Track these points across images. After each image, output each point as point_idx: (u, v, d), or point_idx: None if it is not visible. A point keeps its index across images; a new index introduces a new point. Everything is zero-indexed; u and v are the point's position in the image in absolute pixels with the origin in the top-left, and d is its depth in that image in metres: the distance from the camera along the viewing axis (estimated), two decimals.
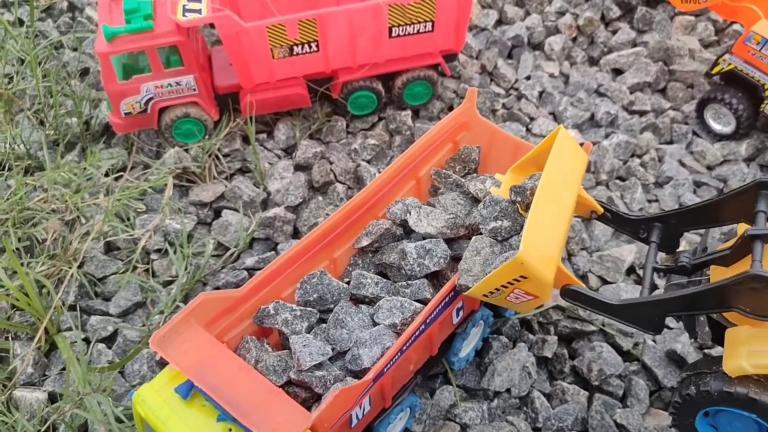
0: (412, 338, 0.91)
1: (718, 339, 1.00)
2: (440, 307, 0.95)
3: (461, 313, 1.06)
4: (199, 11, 1.32)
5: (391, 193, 1.16)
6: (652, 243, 1.06)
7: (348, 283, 1.07)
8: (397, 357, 0.90)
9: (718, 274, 0.98)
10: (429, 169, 1.20)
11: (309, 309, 1.01)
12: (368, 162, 1.51)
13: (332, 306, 1.03)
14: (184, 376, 0.87)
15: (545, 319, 1.27)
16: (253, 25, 1.34)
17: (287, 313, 0.99)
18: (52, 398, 1.21)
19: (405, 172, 1.16)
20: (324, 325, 1.01)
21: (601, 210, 1.08)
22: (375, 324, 1.00)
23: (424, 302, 1.01)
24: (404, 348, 0.91)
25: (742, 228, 0.99)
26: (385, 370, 0.89)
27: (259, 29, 1.35)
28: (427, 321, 0.93)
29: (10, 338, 1.27)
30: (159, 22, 1.35)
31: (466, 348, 1.15)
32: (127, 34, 1.33)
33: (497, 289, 0.93)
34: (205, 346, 0.88)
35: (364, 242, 1.09)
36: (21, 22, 1.92)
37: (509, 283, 0.91)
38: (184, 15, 1.31)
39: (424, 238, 1.07)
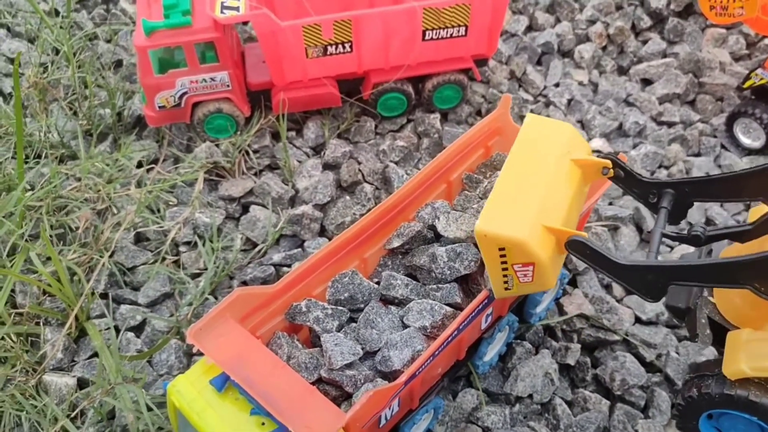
0: (445, 344, 0.92)
1: (720, 341, 0.99)
2: (474, 314, 0.96)
3: (489, 318, 1.07)
4: (237, 8, 1.34)
5: (423, 196, 1.17)
6: (663, 209, 1.01)
7: (378, 283, 1.09)
8: (429, 361, 0.91)
9: (734, 250, 0.97)
10: (460, 173, 1.22)
11: (340, 308, 1.02)
12: (396, 163, 1.52)
13: (362, 305, 1.05)
14: (218, 369, 0.89)
15: (569, 327, 1.28)
16: (289, 24, 1.35)
17: (319, 311, 1.00)
18: (81, 384, 1.23)
19: (437, 175, 1.17)
20: (354, 324, 1.02)
21: (610, 164, 1.01)
22: (404, 326, 1.01)
23: (454, 306, 1.02)
24: (436, 353, 0.92)
25: (758, 209, 0.97)
26: (417, 373, 0.90)
27: (294, 28, 1.36)
28: (460, 327, 0.94)
29: (41, 323, 1.30)
30: (197, 18, 1.37)
31: (491, 352, 1.16)
32: (165, 29, 1.35)
33: (505, 277, 0.95)
34: (240, 340, 0.90)
35: (396, 243, 1.10)
36: (56, 12, 1.95)
37: (503, 264, 0.92)
38: (222, 12, 1.33)
39: (454, 242, 1.08)
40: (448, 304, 1.02)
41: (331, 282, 1.05)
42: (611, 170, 1.01)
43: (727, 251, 1.02)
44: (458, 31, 1.44)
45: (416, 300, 1.03)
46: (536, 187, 0.94)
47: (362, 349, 0.98)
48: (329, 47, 1.42)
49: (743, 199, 0.98)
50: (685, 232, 1.00)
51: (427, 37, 1.44)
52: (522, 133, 1.02)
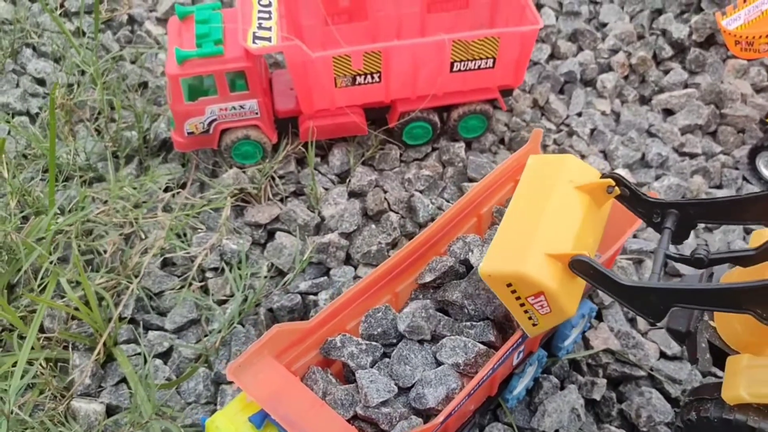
0: (479, 383, 0.93)
1: (720, 365, 0.99)
2: (508, 353, 0.96)
3: (521, 354, 1.07)
4: (269, 39, 1.35)
5: (454, 230, 1.18)
6: (666, 229, 1.00)
7: None
8: (464, 401, 0.92)
9: (735, 274, 0.97)
10: (490, 206, 1.23)
11: (373, 343, 1.03)
12: (421, 192, 1.53)
13: (394, 341, 1.06)
14: (256, 406, 0.90)
15: (594, 361, 1.28)
16: (319, 55, 1.37)
17: (353, 346, 1.01)
18: (109, 410, 1.24)
19: (468, 210, 1.18)
20: (387, 359, 1.03)
21: (612, 182, 1.00)
22: (437, 362, 1.02)
23: (488, 344, 1.03)
24: (472, 392, 0.92)
25: (760, 234, 0.98)
26: (453, 412, 0.91)
27: (325, 59, 1.37)
28: (495, 366, 0.95)
29: (69, 348, 1.30)
30: (228, 47, 1.39)
31: (520, 386, 1.16)
32: (197, 58, 1.37)
33: (527, 313, 0.96)
34: (278, 377, 0.91)
35: (428, 278, 1.11)
36: (82, 33, 1.97)
37: (517, 299, 0.94)
38: (254, 42, 1.34)
39: None
40: (481, 342, 1.03)
41: (364, 317, 1.06)
42: (615, 188, 1.01)
43: (729, 275, 1.02)
44: (486, 63, 1.45)
45: (449, 336, 1.04)
46: (537, 219, 0.95)
47: (396, 385, 0.99)
48: (358, 77, 1.43)
49: (746, 222, 0.99)
50: (688, 254, 1.00)
51: (454, 69, 1.45)
52: (524, 174, 1.04)
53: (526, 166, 1.07)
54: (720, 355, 1.00)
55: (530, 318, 0.96)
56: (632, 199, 1.02)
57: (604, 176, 1.01)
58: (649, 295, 0.90)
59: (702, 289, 0.87)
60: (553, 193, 0.98)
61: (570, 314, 0.94)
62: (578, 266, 0.92)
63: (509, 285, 0.93)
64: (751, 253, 0.94)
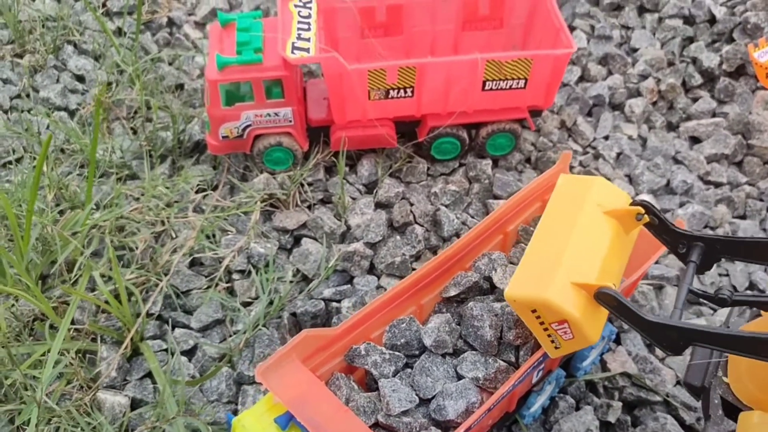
0: (499, 399, 0.95)
1: (734, 419, 0.99)
2: (528, 371, 0.98)
3: (541, 372, 1.09)
4: (307, 50, 1.39)
5: (480, 246, 1.20)
6: (691, 263, 1.02)
7: None
8: (483, 415, 0.94)
9: (761, 321, 0.98)
10: (517, 225, 1.25)
11: (396, 353, 1.05)
12: (447, 206, 1.55)
13: (417, 352, 1.08)
14: (282, 408, 0.92)
15: (611, 384, 1.29)
16: (355, 68, 1.40)
17: (377, 355, 1.04)
18: (133, 404, 1.27)
19: (495, 227, 1.20)
20: (409, 370, 1.05)
21: (642, 210, 1.01)
22: (458, 375, 1.04)
23: (507, 361, 1.05)
24: (491, 407, 0.94)
25: None
26: (472, 426, 0.93)
27: (360, 72, 1.41)
28: (515, 383, 0.97)
29: (98, 340, 1.34)
30: (267, 56, 1.43)
31: (537, 403, 1.18)
32: (237, 65, 1.40)
33: (550, 337, 0.97)
34: (304, 381, 0.93)
35: (452, 292, 1.13)
36: (121, 32, 2.02)
37: (541, 324, 0.95)
38: (293, 52, 1.38)
39: None
40: (502, 359, 1.05)
41: (388, 327, 1.08)
42: (645, 216, 1.03)
43: (755, 322, 1.03)
44: (517, 84, 1.48)
45: (470, 351, 1.06)
46: (565, 245, 0.96)
47: (417, 396, 1.01)
48: (391, 91, 1.46)
49: None
50: (712, 291, 1.01)
51: (486, 87, 1.48)
52: (554, 194, 1.06)
53: (556, 185, 1.08)
54: (733, 411, 1.01)
55: (553, 342, 0.98)
56: (660, 228, 1.04)
57: (633, 203, 1.03)
58: (670, 332, 0.92)
59: (723, 334, 0.89)
60: (581, 217, 1.00)
61: (593, 342, 0.96)
62: (603, 298, 0.94)
63: (534, 311, 0.95)
64: None
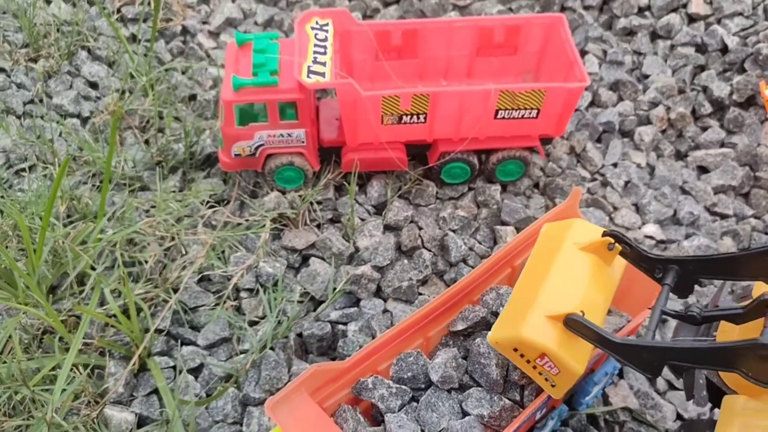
0: None
1: (716, 401, 1.01)
2: (533, 412, 1.00)
3: (544, 409, 1.10)
4: (323, 74, 1.40)
5: (488, 280, 1.21)
6: (666, 285, 1.03)
7: None
8: None
9: (726, 331, 0.99)
10: (524, 259, 1.26)
11: (403, 387, 1.07)
12: (454, 231, 1.56)
13: (423, 386, 1.09)
14: None
15: (612, 418, 1.31)
16: (370, 95, 1.41)
17: (384, 389, 1.05)
18: (139, 420, 1.29)
19: (503, 261, 1.21)
20: (415, 404, 1.07)
21: (612, 240, 1.04)
22: (463, 411, 1.05)
23: (512, 400, 1.06)
24: None
25: (758, 287, 0.99)
26: None
27: (374, 98, 1.42)
28: (520, 424, 0.98)
29: (106, 355, 1.35)
30: (283, 79, 1.44)
31: None
32: (253, 86, 1.41)
33: (541, 374, 1.00)
34: (313, 416, 0.95)
35: (459, 326, 1.15)
36: (134, 38, 2.03)
37: (527, 363, 0.98)
38: (308, 76, 1.39)
39: None
40: (507, 397, 1.06)
41: (395, 360, 1.10)
42: (616, 245, 1.05)
43: (721, 334, 1.04)
44: (530, 113, 1.49)
45: (476, 387, 1.07)
46: (541, 283, 1.00)
47: (422, 431, 1.02)
48: (404, 116, 1.47)
49: (745, 279, 1.00)
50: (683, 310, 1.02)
51: (498, 116, 1.49)
52: (537, 242, 1.11)
53: (539, 235, 1.13)
54: (717, 393, 1.02)
55: (546, 380, 1.00)
56: (634, 255, 1.06)
57: (604, 234, 1.06)
58: (642, 353, 0.93)
59: (692, 348, 0.90)
60: (558, 256, 1.03)
61: (578, 373, 0.98)
62: (572, 324, 0.97)
63: (516, 350, 0.99)
64: (740, 311, 0.95)
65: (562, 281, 1.01)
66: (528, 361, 0.99)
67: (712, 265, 1.01)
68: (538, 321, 0.96)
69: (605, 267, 1.07)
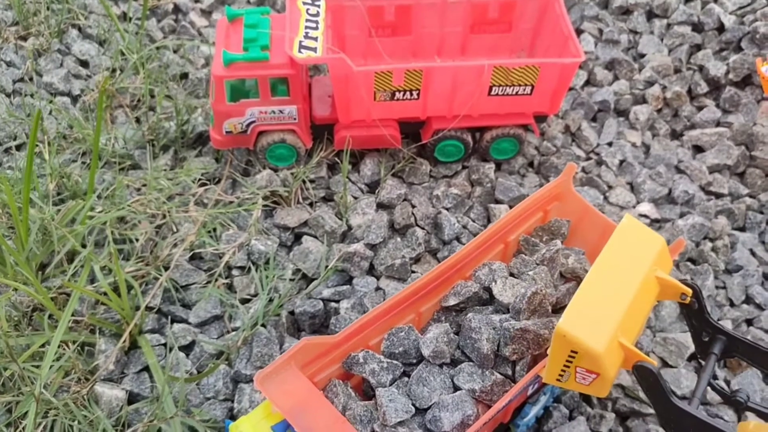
0: (496, 413, 0.96)
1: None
2: (524, 386, 0.99)
3: (537, 384, 1.10)
4: (314, 49, 1.38)
5: (481, 255, 1.20)
6: (713, 355, 1.05)
7: None
8: (479, 429, 0.95)
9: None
10: (518, 235, 1.25)
11: (394, 362, 1.06)
12: (448, 210, 1.55)
13: (414, 360, 1.09)
14: (280, 415, 0.93)
15: None
16: (362, 70, 1.39)
17: (375, 363, 1.04)
18: (130, 398, 1.28)
19: (496, 237, 1.21)
20: (406, 378, 1.06)
21: (690, 292, 1.04)
22: (455, 386, 1.05)
23: (504, 374, 1.06)
24: (487, 421, 0.95)
25: None
26: None
27: (367, 74, 1.40)
28: (511, 399, 0.98)
29: (96, 332, 1.34)
30: (274, 54, 1.42)
31: (530, 414, 1.19)
32: (243, 62, 1.40)
33: (563, 371, 0.98)
34: (303, 390, 0.94)
35: (452, 302, 1.14)
36: (125, 16, 2.01)
37: (567, 362, 0.95)
38: (300, 51, 1.37)
39: (507, 307, 1.12)
40: (498, 372, 1.06)
41: (387, 335, 1.09)
42: (689, 298, 1.05)
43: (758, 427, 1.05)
44: (524, 90, 1.47)
45: (468, 362, 1.07)
46: (621, 299, 0.97)
47: (413, 405, 1.02)
48: (397, 93, 1.46)
49: None
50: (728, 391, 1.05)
51: (492, 93, 1.47)
52: (616, 235, 1.05)
53: (620, 225, 1.07)
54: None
55: (561, 375, 0.98)
56: (695, 313, 1.07)
57: (685, 282, 1.05)
58: (688, 420, 0.94)
59: None
60: (638, 276, 1.00)
61: (602, 395, 0.98)
62: (641, 371, 0.96)
63: (574, 351, 0.94)
64: None
65: (637, 308, 0.99)
66: (570, 361, 0.95)
67: (760, 355, 1.03)
68: (614, 345, 0.93)
69: (655, 299, 1.06)
